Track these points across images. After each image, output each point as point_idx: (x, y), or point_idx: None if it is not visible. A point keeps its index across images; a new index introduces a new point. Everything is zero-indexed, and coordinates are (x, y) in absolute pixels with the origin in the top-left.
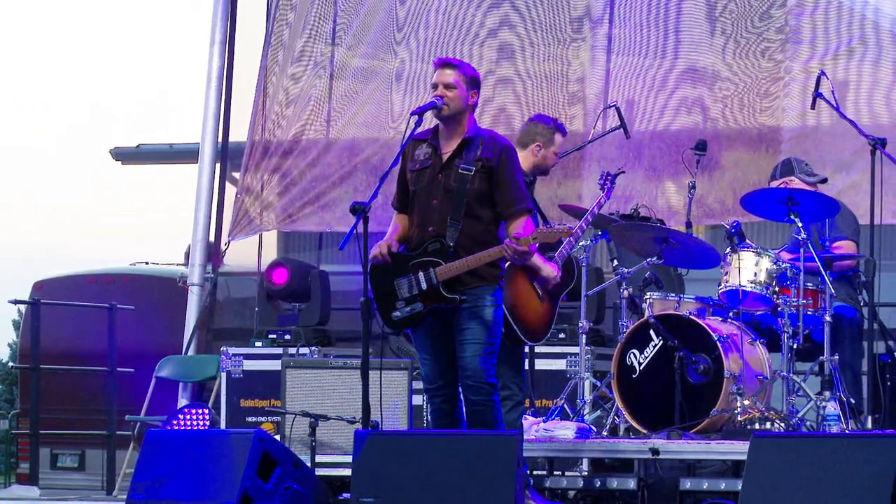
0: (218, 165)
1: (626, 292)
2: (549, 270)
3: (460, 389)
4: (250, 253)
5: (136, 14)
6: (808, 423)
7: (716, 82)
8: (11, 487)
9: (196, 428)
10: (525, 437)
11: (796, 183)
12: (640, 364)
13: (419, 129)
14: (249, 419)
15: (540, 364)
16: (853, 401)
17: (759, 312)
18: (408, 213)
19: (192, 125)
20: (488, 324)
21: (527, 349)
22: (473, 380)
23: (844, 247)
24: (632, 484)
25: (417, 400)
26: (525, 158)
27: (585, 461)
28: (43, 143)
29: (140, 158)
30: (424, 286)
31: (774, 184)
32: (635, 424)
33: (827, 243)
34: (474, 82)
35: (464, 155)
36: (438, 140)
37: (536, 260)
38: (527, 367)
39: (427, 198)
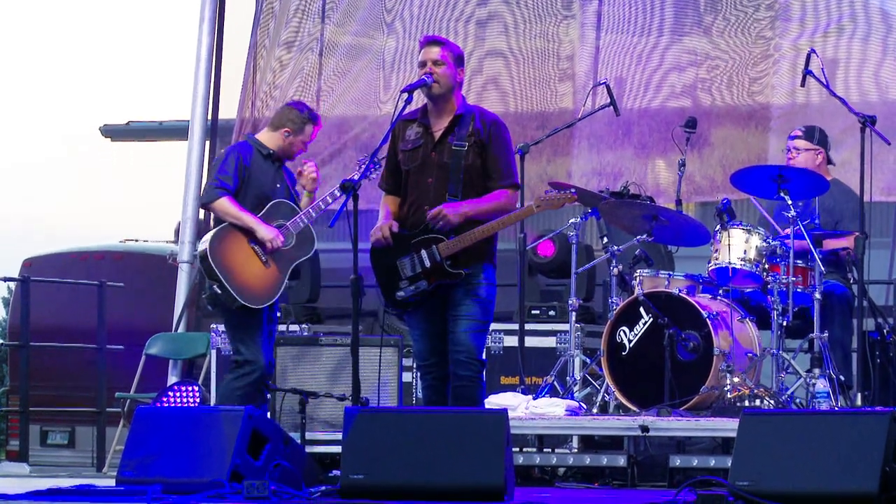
0: (208, 143)
1: (615, 270)
2: (265, 232)
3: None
4: None
5: None
6: (797, 401)
7: (705, 60)
8: (1, 464)
9: (186, 405)
10: (515, 414)
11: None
12: (629, 341)
13: (408, 108)
14: None
15: (530, 341)
16: (843, 378)
17: (748, 290)
18: (400, 193)
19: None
20: (482, 301)
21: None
22: (464, 355)
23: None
24: (622, 461)
25: (407, 377)
26: (272, 139)
27: (575, 438)
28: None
29: (130, 135)
30: (428, 263)
31: (802, 143)
32: (625, 402)
33: (815, 221)
34: (460, 59)
35: (456, 131)
36: (428, 119)
37: (252, 221)
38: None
39: (421, 176)
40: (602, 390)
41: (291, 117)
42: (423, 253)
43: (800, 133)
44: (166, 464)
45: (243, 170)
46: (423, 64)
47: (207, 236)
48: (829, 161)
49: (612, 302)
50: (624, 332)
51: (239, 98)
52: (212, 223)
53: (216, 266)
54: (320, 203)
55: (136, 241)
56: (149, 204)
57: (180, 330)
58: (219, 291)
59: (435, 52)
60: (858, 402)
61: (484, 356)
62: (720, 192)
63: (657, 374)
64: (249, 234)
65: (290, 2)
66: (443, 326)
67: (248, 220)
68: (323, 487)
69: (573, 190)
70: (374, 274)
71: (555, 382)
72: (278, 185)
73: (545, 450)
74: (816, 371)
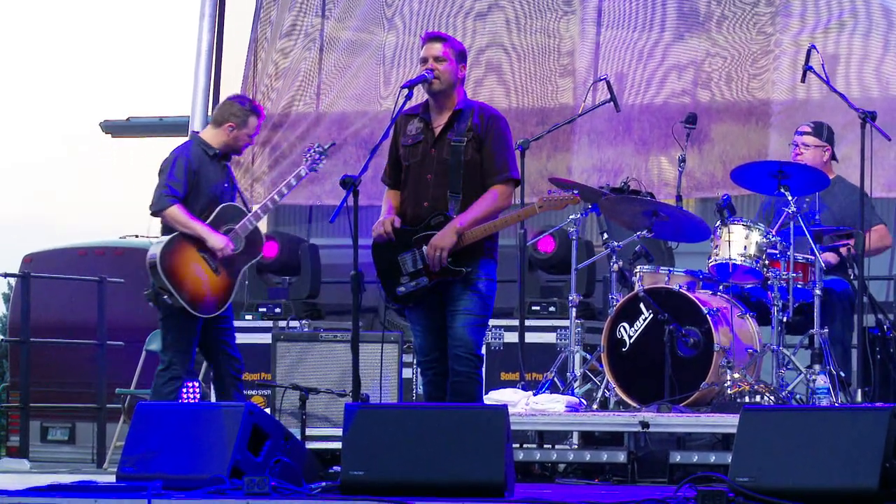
0: None
1: (616, 266)
2: (216, 241)
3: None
4: None
5: None
6: (797, 397)
7: (706, 56)
8: (1, 460)
9: (186, 401)
10: (515, 410)
11: (826, 155)
12: (630, 337)
13: (409, 104)
14: None
15: (530, 337)
16: (843, 374)
17: (748, 286)
18: (400, 188)
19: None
20: (482, 297)
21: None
22: (462, 350)
23: (882, 230)
24: (622, 457)
25: (407, 373)
26: (216, 136)
27: (575, 434)
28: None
29: (130, 131)
30: (429, 260)
31: (811, 140)
32: (625, 398)
33: (815, 218)
34: (462, 55)
35: (455, 127)
36: (429, 114)
37: (202, 230)
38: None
39: (421, 172)
40: (602, 386)
41: (234, 111)
42: (425, 249)
43: (808, 129)
44: (167, 460)
45: (192, 174)
46: (424, 60)
47: (157, 247)
48: (833, 157)
49: (613, 298)
50: (624, 328)
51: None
52: (160, 231)
53: (166, 277)
54: (268, 203)
55: (137, 236)
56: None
57: None
58: (169, 301)
59: (436, 48)
60: (859, 398)
61: (482, 351)
62: (720, 188)
63: (657, 370)
64: (199, 242)
65: None
66: (443, 322)
67: (199, 229)
68: (323, 484)
69: (576, 191)
70: (375, 269)
71: (555, 378)
72: (225, 185)
73: (545, 446)
74: (817, 367)
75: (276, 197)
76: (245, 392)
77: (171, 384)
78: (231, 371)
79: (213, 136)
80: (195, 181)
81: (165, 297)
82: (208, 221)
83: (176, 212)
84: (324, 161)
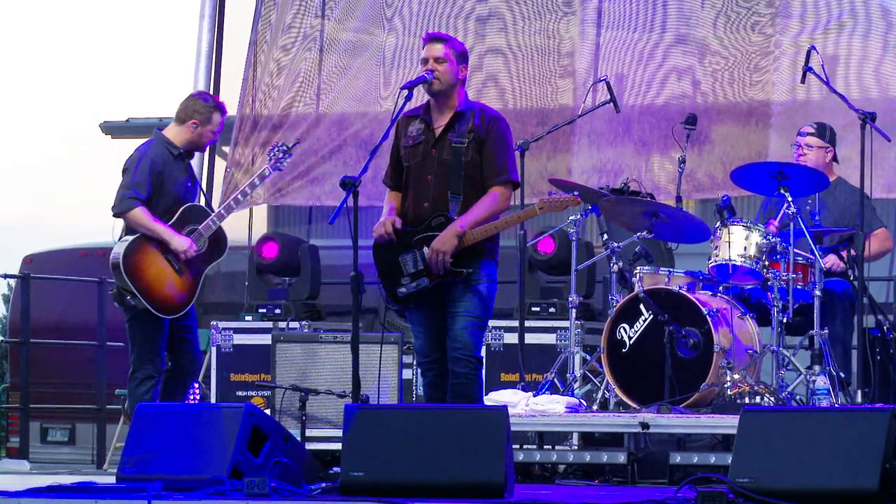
0: None
1: (616, 266)
2: (178, 243)
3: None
4: (240, 227)
5: None
6: (797, 398)
7: (706, 56)
8: (1, 461)
9: (186, 402)
10: (515, 411)
11: (829, 157)
12: (630, 338)
13: (409, 105)
14: (239, 393)
15: (530, 338)
16: (843, 375)
17: (748, 287)
18: (401, 189)
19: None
20: (482, 298)
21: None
22: (462, 352)
23: (883, 234)
24: (622, 458)
25: (407, 374)
26: (180, 134)
27: (575, 435)
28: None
29: (130, 132)
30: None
31: (813, 141)
32: (625, 399)
33: (815, 219)
34: (463, 56)
35: (456, 128)
36: (430, 115)
37: (165, 232)
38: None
39: (421, 173)
40: (602, 387)
41: (197, 108)
42: (425, 250)
43: (811, 130)
44: (167, 461)
45: (156, 175)
46: (424, 61)
47: (120, 248)
48: (835, 159)
49: (613, 299)
50: (624, 328)
51: (239, 95)
52: (122, 231)
53: (129, 278)
54: (231, 203)
55: None
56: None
57: None
58: (132, 302)
59: (437, 48)
60: (858, 399)
61: (482, 353)
62: (720, 188)
63: (657, 370)
64: (162, 244)
65: None
66: (443, 323)
67: (161, 231)
68: (323, 484)
69: (577, 192)
70: (375, 269)
71: (555, 379)
72: (189, 184)
73: (545, 447)
74: (816, 368)
75: (239, 197)
76: (245, 393)
77: (145, 384)
78: (192, 370)
79: (176, 134)
80: (159, 182)
81: (129, 297)
82: (171, 222)
83: (139, 214)
84: (288, 160)
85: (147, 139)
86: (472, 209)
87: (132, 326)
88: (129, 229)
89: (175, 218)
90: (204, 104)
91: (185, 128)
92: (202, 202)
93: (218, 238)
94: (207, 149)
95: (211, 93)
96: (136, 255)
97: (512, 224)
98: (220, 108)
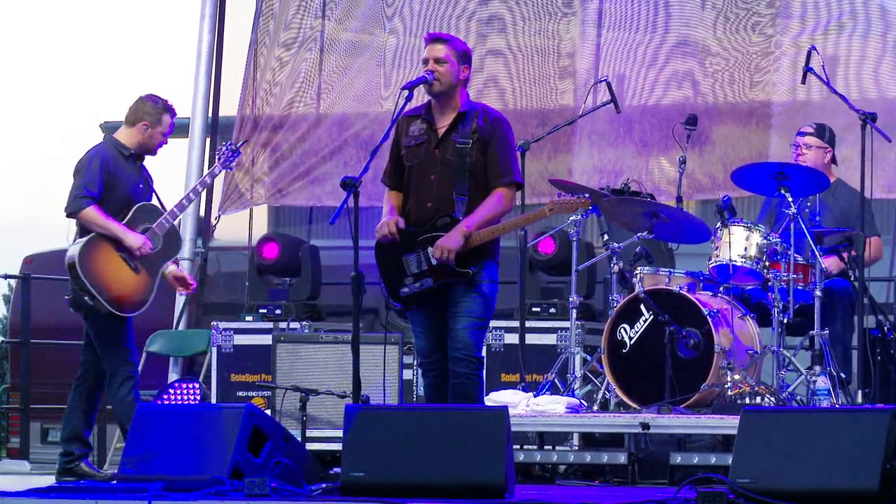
0: (208, 140)
1: (616, 267)
2: (133, 240)
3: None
4: (241, 227)
5: None
6: (798, 398)
7: (706, 57)
8: (2, 462)
9: (186, 402)
10: (516, 411)
11: (827, 157)
12: (630, 339)
13: (410, 105)
14: (240, 394)
15: (530, 339)
16: (843, 375)
17: (749, 287)
18: (402, 189)
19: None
20: (484, 298)
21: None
22: (463, 352)
23: (876, 243)
24: (622, 458)
25: (408, 374)
26: (130, 136)
27: (576, 436)
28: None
29: None
30: (434, 261)
31: (812, 141)
32: (626, 399)
33: (816, 219)
34: (465, 57)
35: (459, 129)
36: (432, 115)
37: (118, 230)
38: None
39: (424, 173)
40: (603, 388)
41: (147, 110)
42: (430, 250)
43: (810, 130)
44: (167, 461)
45: (107, 174)
46: (425, 61)
47: (76, 247)
48: (833, 160)
49: (613, 299)
50: (624, 329)
51: (239, 95)
52: (76, 234)
53: (86, 278)
54: (184, 201)
55: None
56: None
57: (181, 327)
58: (90, 303)
59: (438, 49)
60: (859, 399)
61: (483, 353)
62: (721, 189)
63: (658, 371)
64: (117, 242)
65: None
66: (444, 323)
67: (115, 228)
68: (324, 485)
69: (587, 194)
70: (377, 269)
71: (555, 380)
72: (140, 186)
73: (546, 447)
74: (817, 368)
75: (191, 195)
76: (246, 394)
77: (126, 386)
78: (99, 377)
79: (127, 136)
80: (110, 182)
81: (87, 298)
82: (124, 221)
83: (92, 213)
84: (238, 159)
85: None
86: (477, 210)
87: (98, 331)
88: (82, 231)
89: (128, 217)
90: (153, 106)
91: (136, 130)
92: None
93: (172, 236)
94: (208, 149)
95: (211, 93)
96: (91, 254)
97: (521, 225)
98: (170, 110)
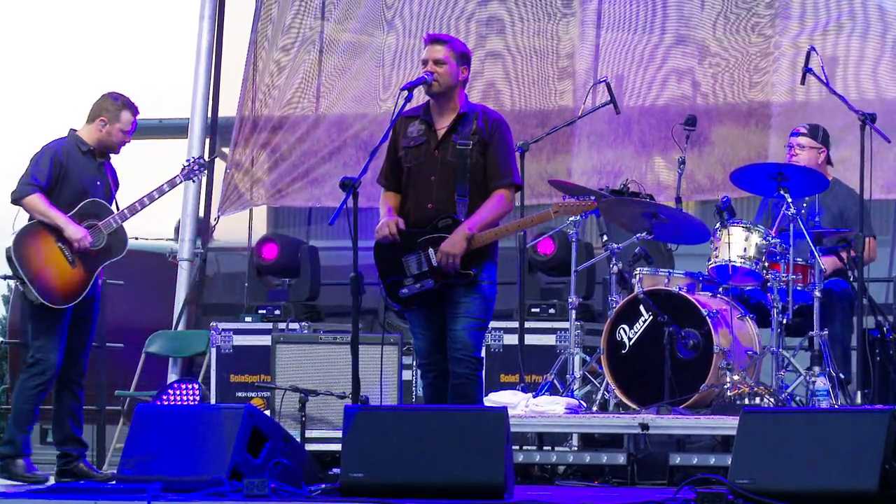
0: (207, 140)
1: (615, 267)
2: (73, 232)
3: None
4: (240, 228)
5: None
6: (797, 399)
7: (706, 57)
8: None
9: (186, 403)
10: (515, 412)
11: (821, 157)
12: (629, 339)
13: (409, 106)
14: (239, 394)
15: (529, 339)
16: (843, 376)
17: (748, 288)
18: (401, 189)
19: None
20: (483, 299)
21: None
22: (462, 353)
23: (870, 244)
24: (621, 459)
25: (407, 375)
26: (90, 132)
27: (575, 436)
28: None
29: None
30: (435, 262)
31: (805, 141)
32: (625, 400)
33: (815, 220)
34: (465, 58)
35: (459, 130)
36: (431, 116)
37: (60, 219)
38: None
39: (423, 174)
40: (602, 388)
41: (106, 106)
42: (431, 251)
43: (804, 130)
44: (166, 462)
45: (58, 166)
46: (425, 62)
47: (14, 234)
48: (828, 161)
49: (612, 300)
50: (624, 329)
51: (239, 95)
52: (15, 224)
53: (19, 264)
54: (136, 204)
55: (136, 238)
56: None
57: (180, 328)
58: (21, 288)
59: (437, 50)
60: (858, 400)
61: (482, 354)
62: (720, 190)
63: (657, 372)
64: (58, 232)
65: None
66: (444, 324)
67: (57, 218)
68: (323, 486)
69: (593, 197)
70: (377, 270)
71: (555, 380)
72: (98, 183)
73: (545, 448)
74: (816, 369)
75: (145, 200)
76: (245, 394)
77: (36, 379)
78: (73, 374)
79: (87, 133)
80: (61, 174)
81: (19, 284)
82: (70, 214)
83: (36, 200)
84: (203, 175)
85: (150, 140)
86: (478, 211)
87: (32, 317)
88: (30, 218)
89: (75, 210)
90: (113, 102)
91: (94, 126)
92: (114, 207)
93: (118, 237)
94: (207, 150)
95: (210, 94)
96: (28, 239)
97: (527, 227)
98: (130, 107)
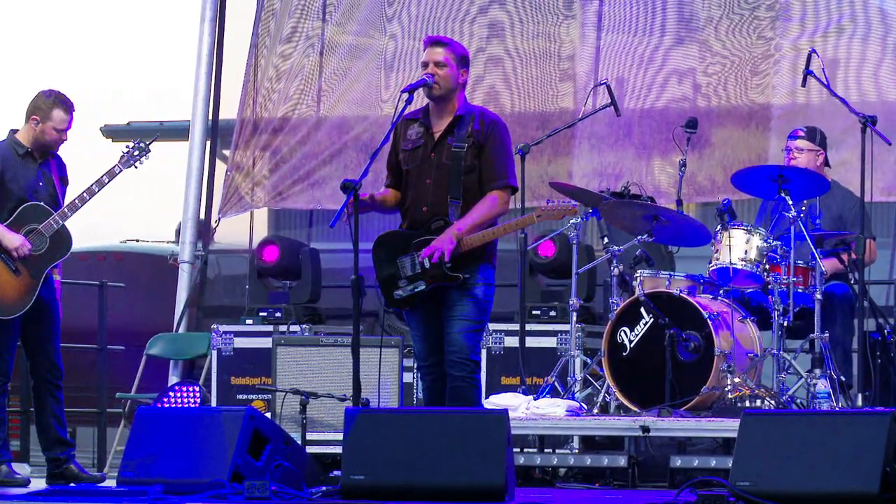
0: (208, 143)
1: (616, 270)
2: (10, 240)
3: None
4: (241, 230)
5: None
6: (798, 401)
7: (706, 59)
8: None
9: (187, 405)
10: (516, 414)
11: (819, 159)
12: (630, 342)
13: (409, 108)
14: (240, 397)
15: (530, 342)
16: (843, 378)
17: (749, 290)
18: (399, 187)
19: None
20: (479, 301)
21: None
22: (458, 356)
23: (870, 245)
24: (622, 461)
25: (408, 377)
26: (25, 132)
27: (576, 439)
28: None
29: (130, 136)
30: (427, 265)
31: (804, 144)
32: (626, 402)
33: (815, 222)
34: (464, 60)
35: (455, 132)
36: (430, 119)
37: None
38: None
39: (420, 177)
40: (603, 391)
41: (38, 104)
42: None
43: (802, 133)
44: (167, 464)
45: None
46: (425, 64)
47: None
48: (826, 163)
49: (613, 302)
50: (625, 332)
51: (239, 98)
52: None
53: None
54: (76, 201)
55: (137, 241)
56: (149, 204)
57: (181, 330)
58: None
59: (438, 52)
60: (859, 402)
61: (479, 356)
62: (721, 192)
63: (658, 374)
64: None
65: (290, 1)
66: (441, 327)
67: None
68: (324, 488)
69: (575, 202)
70: (374, 270)
71: (555, 383)
72: (40, 184)
73: (546, 450)
74: (817, 371)
75: (85, 195)
76: (246, 397)
77: None
78: (49, 377)
79: (23, 133)
80: None
81: None
82: (8, 222)
83: None
84: (144, 160)
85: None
86: (469, 213)
87: None
88: None
89: (12, 217)
90: (45, 100)
91: (29, 125)
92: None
93: (61, 237)
94: (208, 152)
95: (211, 96)
96: None
97: (510, 231)
98: (63, 103)
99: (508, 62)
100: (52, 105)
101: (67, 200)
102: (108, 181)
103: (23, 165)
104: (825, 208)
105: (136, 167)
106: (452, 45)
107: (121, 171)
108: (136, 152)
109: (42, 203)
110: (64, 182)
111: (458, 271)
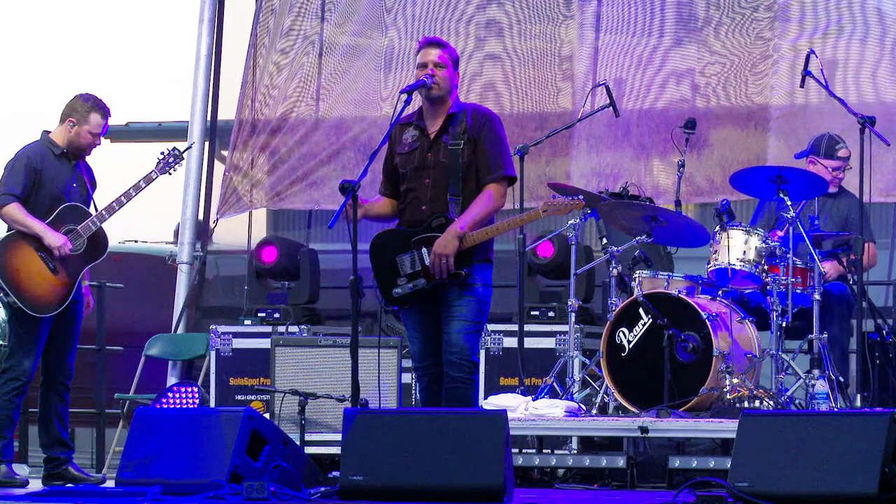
0: (206, 143)
1: (615, 270)
2: (52, 239)
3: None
4: (239, 231)
5: None
6: (797, 402)
7: (705, 61)
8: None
9: (185, 406)
10: (514, 415)
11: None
12: (629, 342)
13: (408, 109)
14: (239, 397)
15: (529, 342)
16: (842, 379)
17: (748, 291)
18: (398, 196)
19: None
20: (478, 301)
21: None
22: (457, 356)
23: (870, 249)
24: (621, 462)
25: (406, 378)
26: (60, 133)
27: (575, 440)
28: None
29: (129, 137)
30: (428, 262)
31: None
32: (624, 403)
33: (815, 223)
34: (457, 62)
35: (450, 130)
36: (424, 121)
37: (39, 227)
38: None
39: (419, 178)
40: (601, 391)
41: (75, 107)
42: (424, 251)
43: (844, 143)
44: (166, 465)
45: (33, 172)
46: (423, 66)
47: None
48: None
49: (612, 303)
50: (623, 332)
51: (238, 98)
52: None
53: (1, 276)
54: (114, 205)
55: (136, 241)
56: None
57: (180, 331)
58: (6, 299)
59: (436, 53)
60: (858, 403)
61: (477, 357)
62: (719, 192)
63: (656, 375)
64: (37, 241)
65: (289, 1)
66: (438, 327)
67: (36, 226)
68: (322, 489)
69: (581, 196)
70: (372, 269)
71: (554, 383)
72: (74, 185)
73: (544, 451)
74: (816, 372)
75: (122, 199)
76: (245, 397)
77: (10, 385)
78: (59, 377)
79: (58, 134)
80: (36, 180)
81: (2, 294)
82: (48, 221)
83: (13, 210)
84: (178, 167)
85: (150, 143)
86: (469, 209)
87: (11, 324)
88: (9, 229)
89: (52, 217)
90: (83, 103)
91: (65, 127)
92: (93, 208)
93: (97, 239)
94: (206, 152)
95: (210, 97)
96: (8, 250)
97: (515, 226)
98: (101, 108)
99: (507, 62)
100: (89, 109)
101: (99, 204)
102: (145, 186)
103: (59, 166)
104: (831, 211)
105: (170, 174)
106: (448, 47)
107: (157, 176)
108: (171, 159)
109: (80, 204)
110: (93, 186)
111: (459, 268)
